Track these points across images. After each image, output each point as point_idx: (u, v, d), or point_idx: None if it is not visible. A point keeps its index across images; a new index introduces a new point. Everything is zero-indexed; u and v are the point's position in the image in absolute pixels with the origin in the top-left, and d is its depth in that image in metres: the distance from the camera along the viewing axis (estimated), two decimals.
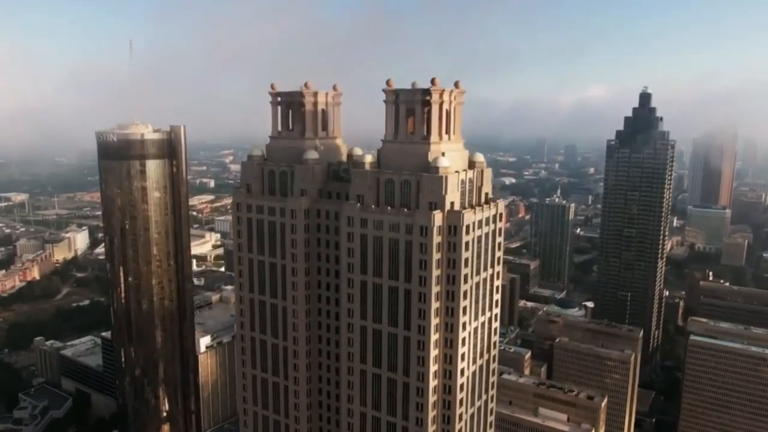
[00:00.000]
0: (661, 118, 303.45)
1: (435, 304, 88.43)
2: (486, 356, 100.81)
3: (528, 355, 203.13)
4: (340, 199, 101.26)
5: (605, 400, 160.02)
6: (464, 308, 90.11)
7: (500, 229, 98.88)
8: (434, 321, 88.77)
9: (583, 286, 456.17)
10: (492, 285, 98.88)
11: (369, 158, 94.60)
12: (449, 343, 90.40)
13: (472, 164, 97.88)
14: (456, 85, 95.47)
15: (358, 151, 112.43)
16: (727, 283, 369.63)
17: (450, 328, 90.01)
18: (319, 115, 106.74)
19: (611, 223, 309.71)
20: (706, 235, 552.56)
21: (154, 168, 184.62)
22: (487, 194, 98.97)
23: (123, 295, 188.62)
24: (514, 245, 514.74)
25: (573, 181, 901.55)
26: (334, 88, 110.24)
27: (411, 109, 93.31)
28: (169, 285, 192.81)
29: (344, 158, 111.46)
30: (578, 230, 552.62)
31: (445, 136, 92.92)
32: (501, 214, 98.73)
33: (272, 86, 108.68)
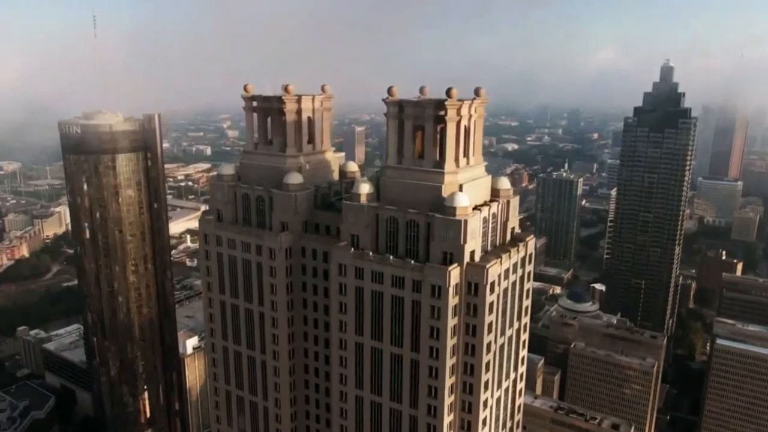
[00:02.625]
0: (683, 94, 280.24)
1: (449, 380, 69.90)
2: (509, 424, 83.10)
3: (541, 363, 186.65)
4: (330, 234, 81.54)
5: (632, 430, 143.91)
6: (486, 383, 71.71)
7: (529, 273, 79.64)
8: (448, 400, 70.42)
9: (590, 263, 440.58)
10: (518, 341, 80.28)
11: (365, 188, 74.34)
12: (466, 425, 72.31)
13: (495, 192, 77.94)
14: (477, 93, 74.60)
15: (352, 167, 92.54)
16: (740, 265, 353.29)
17: (468, 408, 71.78)
18: (304, 125, 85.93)
19: (626, 206, 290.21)
20: (715, 208, 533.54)
21: (125, 163, 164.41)
22: (513, 229, 79.32)
23: (96, 305, 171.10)
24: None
25: (577, 147, 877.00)
26: (323, 90, 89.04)
27: (419, 125, 72.79)
28: (147, 290, 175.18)
29: (336, 175, 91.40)
30: (583, 201, 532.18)
31: (462, 160, 72.61)
32: (531, 255, 79.31)
33: (246, 88, 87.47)
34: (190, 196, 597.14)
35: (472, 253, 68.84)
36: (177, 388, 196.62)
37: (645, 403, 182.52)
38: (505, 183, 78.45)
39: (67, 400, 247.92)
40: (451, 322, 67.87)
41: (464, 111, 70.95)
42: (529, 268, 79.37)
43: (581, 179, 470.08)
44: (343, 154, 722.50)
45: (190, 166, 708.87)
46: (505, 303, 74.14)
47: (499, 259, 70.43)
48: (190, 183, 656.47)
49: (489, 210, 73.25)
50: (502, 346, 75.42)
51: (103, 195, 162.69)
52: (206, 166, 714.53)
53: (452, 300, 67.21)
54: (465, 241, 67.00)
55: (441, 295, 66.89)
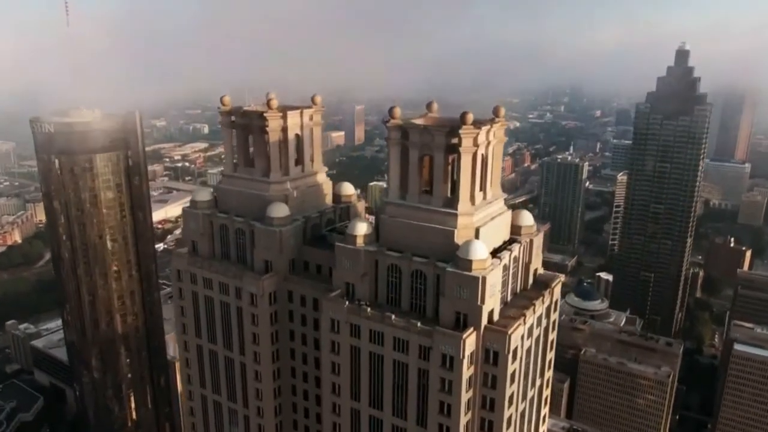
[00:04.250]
0: (699, 79, 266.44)
1: None
2: None
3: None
4: (322, 275, 69.83)
5: None
6: None
7: (554, 322, 68.23)
8: None
9: (594, 248, 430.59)
10: (540, 400, 69.24)
11: (362, 229, 62.25)
12: None
13: (516, 229, 65.97)
14: (495, 112, 62.24)
15: (347, 190, 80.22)
16: (749, 253, 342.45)
17: None
18: (291, 145, 73.43)
19: (636, 196, 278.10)
20: (722, 190, 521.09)
21: (104, 163, 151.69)
22: (536, 271, 67.59)
23: (77, 314, 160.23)
24: (519, 200, 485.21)
25: (579, 125, 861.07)
26: (313, 101, 76.43)
27: (427, 155, 60.52)
28: (132, 298, 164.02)
29: (329, 199, 79.22)
30: (587, 183, 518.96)
31: (479, 196, 60.50)
32: (557, 302, 67.78)
33: (222, 101, 74.86)
34: (187, 178, 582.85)
35: (491, 313, 57.22)
36: (166, 393, 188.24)
37: (659, 414, 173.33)
38: (527, 219, 66.33)
39: (56, 399, 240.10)
40: (465, 396, 56.61)
41: (482, 138, 58.59)
42: (555, 316, 67.90)
43: (586, 163, 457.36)
44: (342, 133, 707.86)
45: (187, 146, 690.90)
46: (527, 363, 62.87)
47: (522, 318, 58.82)
48: (187, 163, 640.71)
49: (510, 255, 61.32)
50: (522, 412, 64.42)
51: (81, 198, 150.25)
52: (204, 145, 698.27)
53: (467, 372, 55.84)
54: (483, 302, 55.26)
55: (453, 367, 55.45)
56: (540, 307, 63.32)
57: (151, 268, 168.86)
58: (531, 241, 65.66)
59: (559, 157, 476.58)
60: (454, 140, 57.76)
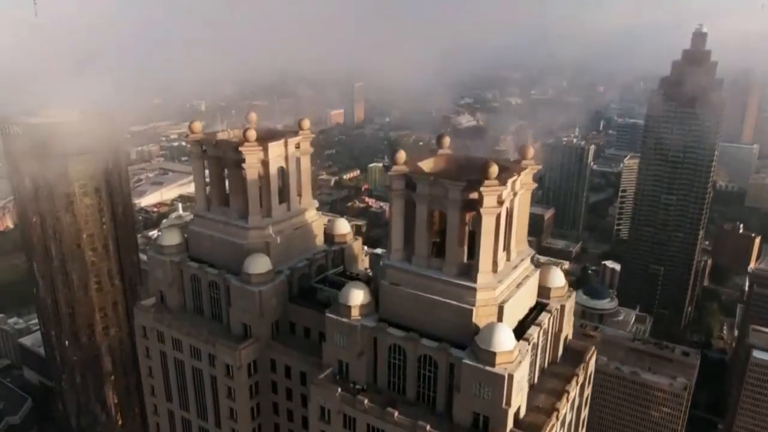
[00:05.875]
0: (716, 63, 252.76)
1: None
2: None
3: None
4: (311, 338, 58.75)
5: None
6: None
7: (587, 398, 57.46)
8: None
9: (598, 233, 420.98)
10: None
11: (357, 298, 50.68)
12: None
13: (544, 291, 54.61)
14: (522, 153, 50.37)
15: (341, 229, 68.39)
16: (758, 239, 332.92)
17: None
18: (274, 181, 61.52)
19: (647, 186, 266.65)
20: (729, 172, 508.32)
21: (80, 167, 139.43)
22: (566, 338, 56.47)
23: (56, 328, 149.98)
24: None
25: (582, 102, 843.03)
26: (300, 126, 64.20)
27: (438, 210, 48.78)
28: (115, 309, 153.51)
29: (320, 239, 67.59)
30: (591, 163, 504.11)
31: (501, 257, 48.96)
32: (591, 375, 56.84)
33: (191, 127, 62.82)
34: (183, 158, 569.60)
35: (517, 412, 46.26)
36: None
37: (674, 428, 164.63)
38: (558, 278, 54.78)
39: (45, 398, 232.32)
40: None
41: (506, 193, 46.76)
42: (589, 390, 57.10)
43: (592, 146, 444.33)
44: (341, 111, 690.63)
45: (182, 124, 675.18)
46: None
47: (555, 413, 47.91)
48: (183, 143, 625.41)
49: (539, 331, 50.06)
50: None
51: (55, 205, 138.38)
52: (201, 124, 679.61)
53: None
54: (508, 403, 44.24)
55: None
56: (574, 390, 52.37)
57: (135, 275, 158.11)
58: (562, 307, 54.30)
59: (564, 138, 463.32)
60: (473, 195, 45.97)
